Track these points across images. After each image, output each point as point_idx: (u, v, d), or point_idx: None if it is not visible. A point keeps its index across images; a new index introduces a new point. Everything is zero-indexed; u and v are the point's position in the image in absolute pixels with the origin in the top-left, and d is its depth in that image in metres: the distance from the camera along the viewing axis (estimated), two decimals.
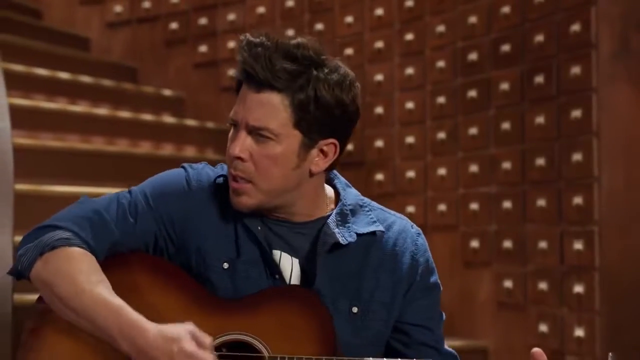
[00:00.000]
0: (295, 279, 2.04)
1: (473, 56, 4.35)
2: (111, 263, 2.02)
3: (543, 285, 3.98)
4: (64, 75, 5.04)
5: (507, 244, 4.15)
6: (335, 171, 2.14)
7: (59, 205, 2.20)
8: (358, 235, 2.04)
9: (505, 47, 4.21)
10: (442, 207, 4.44)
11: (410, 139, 4.60)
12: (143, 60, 5.72)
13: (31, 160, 4.31)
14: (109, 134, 4.88)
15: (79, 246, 1.97)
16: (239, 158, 1.97)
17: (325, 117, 1.98)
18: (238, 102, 1.99)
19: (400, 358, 2.02)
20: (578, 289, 3.84)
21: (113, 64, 5.70)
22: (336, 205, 2.08)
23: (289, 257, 2.05)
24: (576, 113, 3.90)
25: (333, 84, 1.98)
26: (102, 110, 4.99)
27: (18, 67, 4.83)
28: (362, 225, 2.06)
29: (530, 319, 4.06)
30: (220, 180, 2.08)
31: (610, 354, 1.92)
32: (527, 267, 4.07)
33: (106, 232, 2.01)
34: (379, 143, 4.73)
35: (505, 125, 4.19)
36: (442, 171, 4.46)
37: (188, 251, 2.05)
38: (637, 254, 3.84)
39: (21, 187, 3.92)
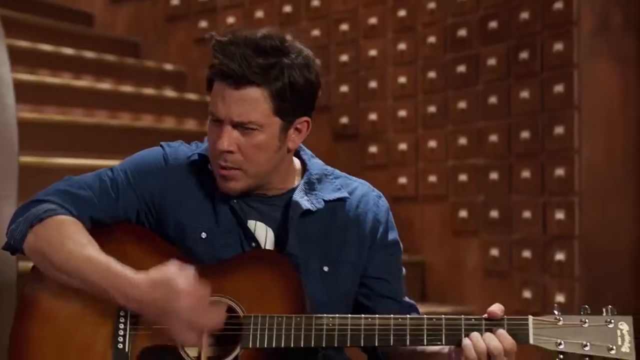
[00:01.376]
0: (270, 246, 2.19)
1: (462, 32, 4.49)
2: (96, 233, 2.16)
3: (527, 254, 4.15)
4: (67, 50, 5.18)
5: (494, 213, 4.32)
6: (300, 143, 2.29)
7: (61, 177, 2.32)
8: (325, 201, 2.20)
9: (493, 24, 4.35)
10: (432, 178, 4.60)
11: (402, 113, 4.75)
12: (145, 36, 5.86)
13: (36, 134, 4.45)
14: (112, 107, 5.03)
15: (64, 214, 2.13)
16: (229, 151, 2.11)
17: (300, 99, 2.13)
18: (217, 99, 2.11)
19: (365, 310, 2.17)
20: (559, 256, 4.01)
21: (116, 39, 5.83)
22: (303, 175, 2.24)
23: (264, 225, 2.20)
24: (558, 88, 4.04)
25: (302, 67, 2.12)
26: (105, 85, 5.13)
27: (23, 43, 4.97)
28: (328, 192, 2.21)
29: (515, 286, 4.22)
30: (196, 157, 2.23)
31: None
32: (512, 236, 4.23)
33: (89, 206, 2.17)
34: (373, 116, 4.89)
35: (493, 100, 4.34)
36: (432, 144, 4.61)
37: (167, 224, 2.19)
38: (615, 223, 4.01)
39: (26, 159, 4.08)
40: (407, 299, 2.28)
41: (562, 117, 4.04)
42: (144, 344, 2.10)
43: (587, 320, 2.03)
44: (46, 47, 5.09)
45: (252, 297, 2.09)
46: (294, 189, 2.21)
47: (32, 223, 2.12)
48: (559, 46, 4.05)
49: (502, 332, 2.01)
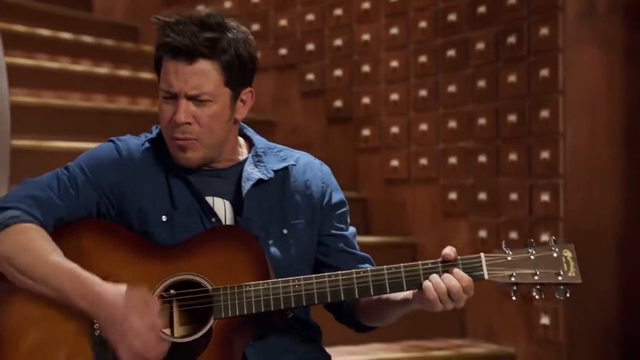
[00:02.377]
0: (229, 219, 2.30)
1: (452, 17, 4.55)
2: (60, 233, 2.24)
3: (514, 235, 4.22)
4: (66, 35, 5.26)
5: (482, 196, 4.39)
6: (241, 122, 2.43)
7: (58, 160, 2.44)
8: (274, 171, 2.33)
9: (482, 9, 4.41)
10: (423, 161, 4.67)
11: (394, 96, 4.82)
12: (144, 20, 5.92)
13: (34, 118, 4.53)
14: (109, 91, 5.11)
15: (29, 221, 2.20)
16: (186, 123, 2.22)
17: (245, 71, 2.28)
18: (169, 75, 2.22)
19: (325, 268, 2.30)
20: (544, 238, 4.07)
21: (115, 24, 5.91)
22: (249, 150, 2.37)
23: (221, 199, 2.30)
24: (544, 72, 4.11)
25: (244, 41, 2.25)
26: (103, 69, 5.21)
27: (20, 28, 5.05)
28: (275, 163, 2.35)
29: None
30: (147, 144, 2.33)
31: (503, 242, 2.21)
32: (500, 217, 4.30)
33: (52, 206, 2.24)
34: (366, 100, 4.96)
35: (481, 84, 4.40)
36: (423, 127, 4.68)
37: (129, 213, 2.28)
38: (599, 205, 4.07)
39: (23, 143, 4.17)
40: (364, 253, 2.42)
41: (547, 101, 4.11)
42: None
43: (534, 252, 2.17)
44: (44, 32, 5.17)
45: (218, 270, 2.19)
46: (242, 162, 2.33)
47: None
48: (544, 31, 4.11)
49: (457, 271, 2.15)
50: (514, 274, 2.16)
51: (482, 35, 4.41)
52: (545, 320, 4.07)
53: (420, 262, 2.18)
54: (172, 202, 2.28)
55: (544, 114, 4.10)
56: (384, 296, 2.26)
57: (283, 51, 5.33)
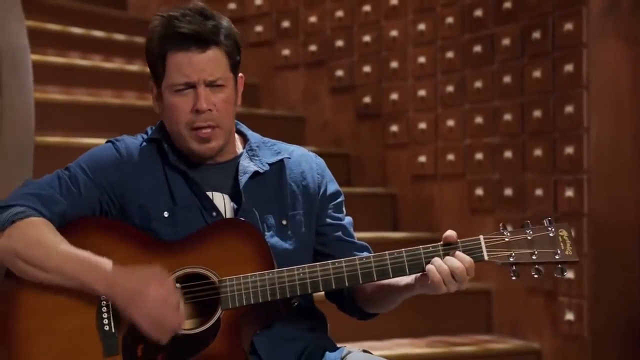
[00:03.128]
0: (229, 212, 2.34)
1: (478, 12, 4.55)
2: (65, 231, 2.27)
3: None
4: (98, 33, 5.33)
5: (508, 191, 4.38)
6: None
7: None
8: (269, 164, 2.39)
9: (507, 4, 4.41)
10: (450, 156, 4.68)
11: (422, 92, 4.83)
12: None
13: (65, 115, 4.61)
14: (140, 89, 5.16)
15: (34, 215, 2.25)
16: (209, 110, 2.28)
17: (239, 56, 2.35)
18: (183, 67, 2.26)
19: (324, 258, 2.33)
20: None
21: (148, 22, 5.93)
22: (244, 145, 2.42)
23: (220, 194, 2.35)
24: (568, 67, 4.09)
25: (234, 29, 2.34)
26: (134, 67, 5.27)
27: (54, 27, 5.13)
28: (270, 157, 2.40)
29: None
30: (145, 144, 2.37)
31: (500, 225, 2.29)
32: (526, 213, 4.29)
33: (55, 204, 2.29)
34: (394, 96, 4.97)
35: (507, 79, 4.40)
36: (450, 122, 4.68)
37: (130, 210, 2.33)
38: (623, 201, 4.05)
39: (51, 139, 4.24)
40: (362, 242, 2.46)
41: (571, 96, 4.09)
42: (128, 323, 2.20)
43: (531, 232, 2.23)
44: (77, 30, 5.24)
45: (223, 263, 2.23)
46: (238, 156, 2.38)
47: (3, 227, 2.24)
48: (569, 26, 4.09)
49: (459, 253, 2.22)
50: (513, 254, 2.21)
51: (508, 30, 4.40)
52: (569, 316, 4.05)
53: (421, 246, 2.23)
54: (172, 198, 2.32)
55: (569, 109, 4.09)
56: (386, 282, 2.30)
57: (313, 48, 5.36)
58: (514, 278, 2.22)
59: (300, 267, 2.23)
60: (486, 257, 2.22)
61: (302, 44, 5.41)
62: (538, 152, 4.23)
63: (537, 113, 4.24)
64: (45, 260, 2.21)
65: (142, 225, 2.31)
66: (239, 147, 2.42)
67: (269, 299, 2.21)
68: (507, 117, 4.39)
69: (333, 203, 2.44)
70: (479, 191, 4.53)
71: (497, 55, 4.46)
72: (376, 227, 4.71)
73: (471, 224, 4.58)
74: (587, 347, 4.01)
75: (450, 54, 4.69)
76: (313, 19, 5.37)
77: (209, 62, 2.26)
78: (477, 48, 4.55)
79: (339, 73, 5.24)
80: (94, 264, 2.20)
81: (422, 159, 4.81)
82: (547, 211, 4.18)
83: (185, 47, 2.26)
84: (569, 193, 4.08)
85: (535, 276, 2.21)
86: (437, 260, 2.20)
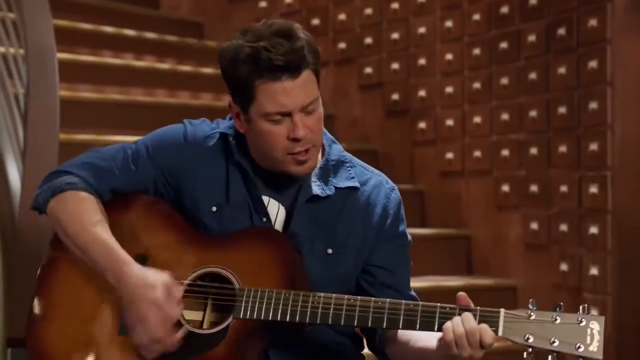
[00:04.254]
0: (280, 222, 2.31)
1: (504, 9, 4.55)
2: (114, 202, 2.33)
3: (564, 227, 4.21)
4: (129, 32, 5.39)
5: (534, 188, 4.38)
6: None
7: None
8: (336, 188, 2.31)
9: (533, 0, 4.40)
10: (477, 153, 4.68)
11: (449, 89, 4.84)
12: (209, 16, 6.04)
13: (96, 113, 4.68)
14: (171, 87, 5.23)
15: (84, 189, 2.29)
16: (306, 136, 2.21)
17: (320, 65, 2.28)
18: (277, 97, 2.17)
19: (368, 295, 2.24)
20: (593, 230, 4.06)
21: (180, 20, 6.02)
22: (321, 157, 2.33)
23: (276, 202, 2.31)
24: (592, 64, 4.08)
25: (313, 40, 2.25)
26: (165, 65, 5.33)
27: (86, 26, 5.20)
28: (342, 180, 2.32)
29: (553, 259, 4.28)
30: (216, 136, 2.33)
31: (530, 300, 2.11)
32: (551, 210, 4.29)
33: (110, 178, 2.32)
34: (422, 93, 4.98)
35: (532, 76, 4.40)
36: (477, 119, 4.69)
37: (184, 196, 2.34)
38: None
39: (83, 137, 4.31)
40: (412, 292, 2.36)
41: (595, 93, 4.08)
42: None
43: (558, 318, 2.06)
44: (109, 29, 5.31)
45: (248, 270, 2.21)
46: (310, 172, 2.30)
47: (54, 193, 2.29)
48: (593, 22, 4.08)
49: (483, 325, 2.05)
50: (531, 336, 2.05)
51: (533, 27, 4.40)
52: (594, 312, 4.04)
53: (438, 304, 2.12)
54: (227, 195, 2.31)
55: (593, 105, 4.08)
56: (417, 342, 2.22)
57: (342, 45, 5.38)
58: None
59: (317, 295, 2.17)
60: (500, 332, 2.06)
61: (331, 41, 5.43)
62: (563, 148, 4.23)
63: (562, 109, 4.24)
64: (77, 237, 2.25)
65: (192, 213, 2.32)
66: (316, 161, 2.32)
67: (279, 319, 2.16)
68: (533, 113, 4.39)
69: (393, 245, 2.34)
70: (505, 187, 4.54)
71: (523, 52, 4.46)
72: None
73: (498, 221, 4.59)
74: (611, 343, 4.00)
75: (477, 51, 4.70)
76: (342, 17, 5.39)
77: (303, 87, 2.19)
78: (504, 45, 4.55)
79: (368, 70, 5.26)
80: (114, 258, 2.21)
81: (450, 155, 4.82)
82: (572, 208, 4.17)
83: (275, 78, 2.17)
84: (593, 189, 4.07)
85: None
86: (455, 319, 2.07)
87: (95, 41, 5.24)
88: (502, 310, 2.08)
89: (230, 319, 2.19)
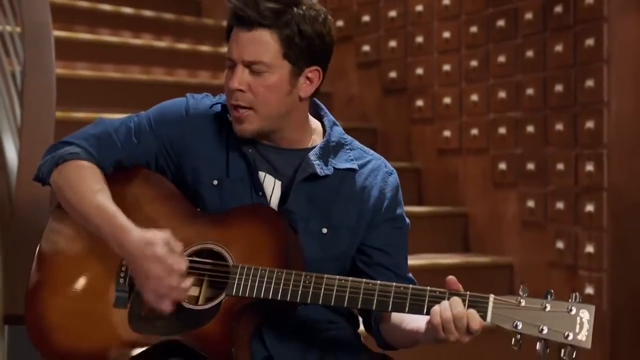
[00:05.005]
0: (275, 199, 2.32)
1: None
2: (115, 175, 2.36)
3: (560, 205, 4.22)
4: (127, 10, 5.38)
5: (530, 166, 4.39)
6: (325, 109, 2.42)
7: None
8: (335, 169, 2.32)
9: None
10: (474, 131, 4.69)
11: (447, 67, 4.84)
12: None
13: (94, 91, 4.69)
14: (169, 65, 5.22)
15: (86, 159, 2.32)
16: (239, 90, 2.24)
17: (308, 48, 2.26)
18: (231, 43, 2.26)
19: (364, 277, 2.26)
20: (589, 208, 4.07)
21: None
22: (322, 138, 2.35)
23: (272, 178, 2.33)
24: (589, 41, 4.08)
25: (312, 19, 2.25)
26: (163, 43, 5.32)
27: (84, 4, 5.19)
28: (341, 162, 2.33)
29: (549, 237, 4.30)
30: (218, 107, 2.36)
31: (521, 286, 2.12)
32: (547, 188, 4.30)
33: (112, 150, 2.35)
34: (419, 71, 4.98)
35: (529, 54, 4.40)
36: (474, 97, 4.69)
37: (185, 170, 2.36)
38: None
39: (80, 114, 4.31)
40: (409, 275, 2.37)
41: (592, 71, 4.08)
42: None
43: (548, 305, 2.06)
44: (106, 7, 5.30)
45: (243, 248, 2.23)
46: (308, 149, 2.33)
47: (57, 163, 2.32)
48: (589, 0, 4.08)
49: (471, 311, 2.05)
50: (520, 323, 2.06)
51: (530, 4, 4.40)
52: (589, 290, 4.06)
53: (428, 288, 2.12)
54: (227, 168, 2.32)
55: (589, 83, 4.09)
56: (410, 325, 2.22)
57: (340, 23, 5.38)
58: (515, 348, 2.07)
59: (309, 274, 2.18)
60: (488, 319, 2.06)
61: None
62: (559, 126, 4.23)
63: (558, 87, 4.24)
64: (78, 205, 2.28)
65: (193, 187, 2.34)
66: (315, 139, 2.35)
67: (270, 297, 2.18)
68: (530, 91, 4.39)
69: (390, 228, 2.35)
70: (502, 165, 4.55)
71: (520, 30, 4.46)
72: None
73: (494, 198, 4.60)
74: (606, 321, 4.02)
75: (474, 29, 4.70)
76: None
77: (251, 43, 2.22)
78: (501, 22, 4.55)
79: (365, 48, 5.26)
80: (115, 223, 2.23)
81: (447, 133, 4.83)
82: (568, 185, 4.18)
83: (237, 24, 2.23)
84: (589, 167, 4.08)
85: (540, 352, 2.06)
86: (444, 303, 2.07)
87: (93, 19, 5.23)
88: (492, 296, 2.08)
89: (222, 296, 2.20)
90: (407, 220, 2.40)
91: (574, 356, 2.05)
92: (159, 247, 2.18)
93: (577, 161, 4.15)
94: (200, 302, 2.26)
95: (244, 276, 2.19)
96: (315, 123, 2.39)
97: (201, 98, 2.40)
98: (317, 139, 2.35)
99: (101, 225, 2.25)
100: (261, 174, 2.32)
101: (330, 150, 2.33)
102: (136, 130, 2.36)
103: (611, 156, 4.01)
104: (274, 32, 2.23)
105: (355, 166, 2.34)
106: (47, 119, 3.33)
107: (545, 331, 2.05)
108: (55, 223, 2.38)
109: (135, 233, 2.21)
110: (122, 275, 2.28)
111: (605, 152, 4.02)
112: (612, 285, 4.02)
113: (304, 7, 2.25)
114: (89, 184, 2.29)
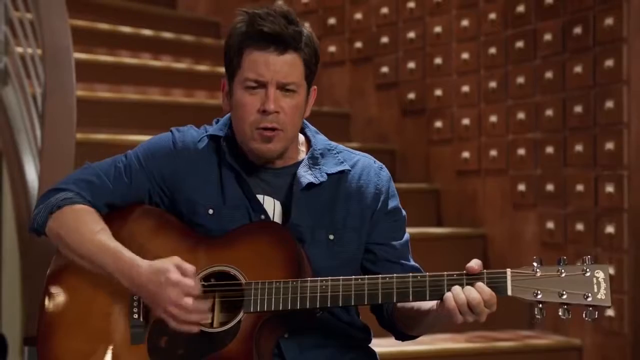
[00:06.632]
0: (277, 217, 2.35)
1: (520, 8, 4.54)
2: (111, 216, 2.37)
3: (580, 226, 4.20)
4: (146, 32, 5.42)
5: (550, 187, 4.38)
6: (304, 120, 2.46)
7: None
8: (328, 175, 2.36)
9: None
10: (493, 152, 4.68)
11: (465, 88, 4.84)
12: (226, 16, 6.05)
13: (114, 113, 4.71)
14: (188, 86, 5.25)
15: (80, 203, 2.34)
16: (276, 112, 2.27)
17: (317, 66, 2.35)
18: (257, 66, 2.25)
19: (371, 275, 2.29)
20: (609, 229, 4.05)
21: (197, 19, 6.05)
22: (308, 150, 2.41)
23: (271, 199, 2.36)
24: (609, 62, 4.07)
25: (315, 39, 2.33)
26: (182, 65, 5.35)
27: (104, 26, 5.23)
28: (331, 166, 2.38)
29: (569, 259, 4.25)
30: (205, 139, 2.38)
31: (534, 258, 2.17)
32: (567, 209, 4.28)
33: (104, 192, 2.36)
34: (438, 92, 4.98)
35: (548, 75, 4.39)
36: (493, 118, 4.68)
37: (179, 203, 2.38)
38: None
39: (100, 136, 4.34)
40: (412, 262, 2.42)
41: (611, 92, 4.07)
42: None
43: (563, 271, 2.12)
44: (126, 29, 5.34)
45: (253, 265, 2.25)
46: (298, 163, 2.37)
47: (52, 210, 2.34)
48: (609, 21, 4.07)
49: (480, 284, 2.13)
50: (540, 292, 2.10)
51: (549, 26, 4.39)
52: (610, 312, 4.04)
53: (445, 272, 2.17)
54: (222, 196, 2.34)
55: (609, 104, 4.07)
56: (416, 305, 2.27)
57: (358, 44, 5.39)
58: (538, 317, 2.13)
59: (324, 279, 2.21)
60: (509, 292, 2.11)
61: (347, 40, 5.44)
62: (579, 147, 4.22)
63: (577, 108, 4.23)
64: (79, 248, 2.29)
65: (189, 219, 2.35)
66: (302, 153, 2.40)
67: (290, 308, 2.20)
68: (549, 112, 4.38)
69: (390, 221, 2.40)
70: (522, 186, 4.53)
71: (538, 51, 4.46)
72: (420, 222, 4.73)
73: (514, 220, 4.58)
74: (627, 343, 3.99)
75: (492, 50, 4.70)
76: (358, 16, 5.40)
77: (285, 64, 2.26)
78: (520, 44, 4.55)
79: (384, 69, 5.27)
80: (122, 259, 2.25)
81: (466, 154, 4.83)
82: (588, 207, 4.17)
83: (264, 47, 2.25)
84: (609, 189, 4.06)
85: (562, 317, 2.11)
86: (456, 288, 2.13)
87: (113, 41, 5.27)
88: (509, 270, 2.13)
89: (241, 314, 2.22)
90: (404, 212, 2.45)
91: (596, 316, 2.09)
92: (172, 273, 2.20)
93: (597, 182, 4.13)
94: (215, 325, 2.26)
95: (259, 291, 2.21)
96: (299, 136, 2.44)
97: (186, 130, 2.42)
98: (303, 152, 2.41)
99: (107, 263, 2.26)
100: (259, 196, 2.35)
101: (318, 158, 2.38)
102: (126, 170, 2.38)
103: (631, 177, 3.99)
104: (299, 53, 2.29)
105: (347, 167, 2.39)
106: (68, 140, 3.36)
107: (565, 296, 2.09)
108: (58, 263, 2.38)
109: (144, 264, 2.23)
110: (134, 310, 2.29)
111: (625, 174, 4.00)
112: (634, 307, 4.00)
113: (306, 28, 2.32)
114: (88, 226, 2.31)
